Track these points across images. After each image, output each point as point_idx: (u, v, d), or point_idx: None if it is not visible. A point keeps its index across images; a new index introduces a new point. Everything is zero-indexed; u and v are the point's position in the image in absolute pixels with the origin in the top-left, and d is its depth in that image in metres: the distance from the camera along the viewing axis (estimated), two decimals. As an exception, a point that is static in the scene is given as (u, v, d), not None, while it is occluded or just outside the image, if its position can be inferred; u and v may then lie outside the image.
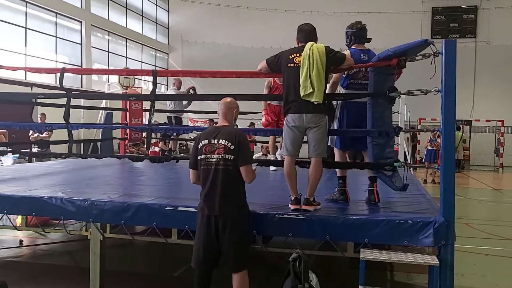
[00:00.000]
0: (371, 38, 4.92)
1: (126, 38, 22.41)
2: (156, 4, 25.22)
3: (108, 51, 20.99)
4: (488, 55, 21.69)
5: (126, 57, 22.25)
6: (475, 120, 20.16)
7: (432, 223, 3.86)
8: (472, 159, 20.52)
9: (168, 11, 26.45)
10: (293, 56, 4.29)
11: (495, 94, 22.04)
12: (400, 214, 4.15)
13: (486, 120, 19.91)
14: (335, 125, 4.71)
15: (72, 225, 4.97)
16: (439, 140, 15.35)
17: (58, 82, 5.35)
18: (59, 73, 5.18)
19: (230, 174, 3.67)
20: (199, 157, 3.73)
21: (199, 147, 3.74)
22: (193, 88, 10.43)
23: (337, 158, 4.80)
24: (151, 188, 5.72)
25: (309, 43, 4.26)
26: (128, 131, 10.45)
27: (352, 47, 4.66)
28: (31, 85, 6.92)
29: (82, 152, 15.51)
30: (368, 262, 3.84)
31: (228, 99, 3.95)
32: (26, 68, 5.53)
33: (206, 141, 3.72)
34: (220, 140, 3.69)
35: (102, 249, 4.62)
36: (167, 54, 26.21)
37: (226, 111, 3.86)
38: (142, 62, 23.62)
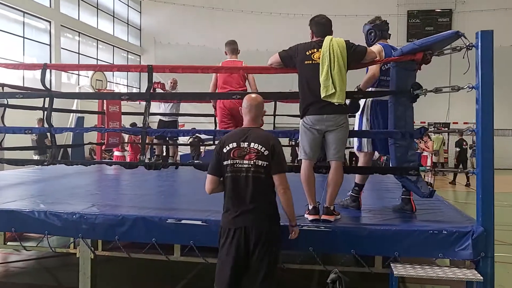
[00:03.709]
0: (391, 34, 4.60)
1: (97, 40, 21.56)
2: (128, 5, 24.44)
3: (79, 53, 20.11)
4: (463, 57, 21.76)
5: (97, 59, 21.40)
6: (453, 123, 20.24)
7: (469, 234, 3.51)
8: (451, 162, 20.54)
9: (140, 12, 25.70)
10: (310, 51, 3.85)
11: (471, 96, 22.11)
12: (431, 224, 3.76)
13: (464, 123, 19.98)
14: (365, 126, 4.30)
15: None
16: (422, 144, 15.40)
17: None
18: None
19: (262, 182, 3.20)
20: (225, 163, 3.23)
21: (225, 151, 3.23)
22: (162, 85, 9.34)
23: (362, 163, 4.38)
24: (144, 198, 5.16)
25: (328, 37, 3.84)
26: (106, 135, 9.75)
27: (379, 42, 4.28)
28: (3, 85, 6.27)
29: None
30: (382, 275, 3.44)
31: (253, 95, 3.46)
32: (1, 64, 4.93)
33: (234, 144, 3.22)
34: (252, 143, 3.21)
35: (93, 268, 4.06)
36: (139, 56, 25.46)
37: (257, 112, 3.37)
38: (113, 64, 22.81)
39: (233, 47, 6.32)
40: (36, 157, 12.03)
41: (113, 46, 22.95)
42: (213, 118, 7.89)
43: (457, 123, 20.01)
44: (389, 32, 4.53)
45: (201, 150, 15.94)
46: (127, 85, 24.29)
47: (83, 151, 16.08)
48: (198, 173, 6.51)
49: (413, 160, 4.10)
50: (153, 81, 8.72)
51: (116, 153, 12.96)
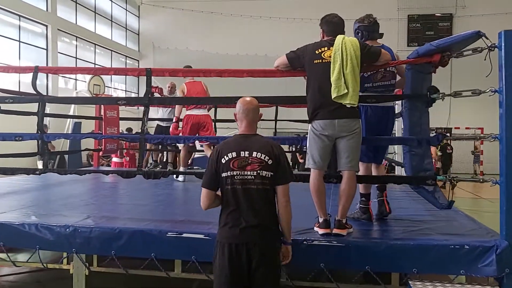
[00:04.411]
0: (383, 33, 4.35)
1: (95, 44, 21.33)
2: (126, 9, 24.24)
3: (76, 57, 19.86)
4: (464, 62, 21.59)
5: (94, 64, 21.14)
6: (455, 128, 20.01)
7: (493, 249, 3.25)
8: (452, 167, 20.29)
9: (138, 17, 25.50)
10: (320, 50, 3.60)
11: (472, 101, 21.92)
12: (451, 238, 3.50)
13: (466, 128, 19.77)
14: None
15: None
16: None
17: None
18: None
19: (268, 194, 2.92)
20: (223, 175, 2.91)
21: (223, 161, 2.92)
22: (160, 90, 9.08)
23: (361, 173, 4.12)
24: (141, 209, 4.89)
25: (340, 36, 3.60)
26: (103, 141, 9.49)
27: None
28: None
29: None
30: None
31: (248, 99, 3.11)
32: (-10, 67, 4.70)
33: (234, 154, 2.91)
34: (254, 152, 2.91)
35: (87, 286, 3.79)
36: (138, 61, 25.23)
37: (254, 116, 3.05)
38: (111, 69, 22.55)
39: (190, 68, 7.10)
40: (40, 163, 11.79)
41: (111, 50, 22.73)
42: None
43: (459, 128, 19.79)
44: (380, 32, 4.26)
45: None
46: (126, 90, 24.05)
47: (80, 157, 15.78)
48: (198, 182, 6.20)
49: (429, 169, 3.84)
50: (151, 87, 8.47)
51: (115, 159, 12.65)
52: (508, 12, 21.78)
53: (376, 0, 22.53)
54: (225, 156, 2.93)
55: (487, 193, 14.18)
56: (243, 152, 2.92)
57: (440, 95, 3.79)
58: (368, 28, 4.13)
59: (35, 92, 4.59)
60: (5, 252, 3.90)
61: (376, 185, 4.26)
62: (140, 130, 4.29)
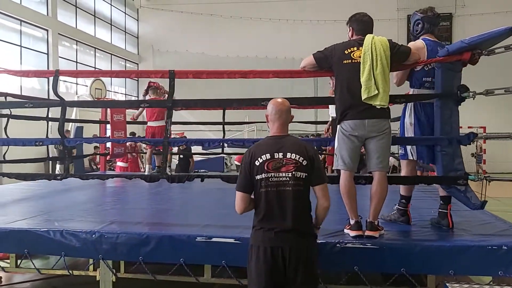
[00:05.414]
0: (439, 29, 4.27)
1: (95, 48, 21.21)
2: (125, 13, 24.14)
3: (76, 62, 19.74)
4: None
5: (94, 68, 21.02)
6: (458, 127, 19.99)
7: (532, 249, 3.19)
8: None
9: (137, 20, 25.40)
10: (349, 50, 3.55)
11: (473, 100, 21.94)
12: (487, 238, 3.44)
13: (468, 127, 19.74)
14: (409, 131, 3.96)
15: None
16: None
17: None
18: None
19: (302, 195, 2.86)
20: (258, 177, 2.86)
21: (257, 164, 2.86)
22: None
23: (405, 172, 4.05)
24: (164, 214, 4.81)
25: (370, 36, 3.55)
26: (111, 145, 9.39)
27: (425, 37, 3.94)
28: (6, 94, 5.92)
29: (50, 171, 14.03)
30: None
31: (280, 100, 3.06)
32: (10, 71, 4.57)
33: (268, 156, 2.86)
34: (288, 153, 2.86)
35: (115, 293, 3.72)
36: (137, 64, 25.12)
37: (287, 117, 3.01)
38: (111, 73, 22.40)
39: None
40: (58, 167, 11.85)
41: (111, 54, 22.60)
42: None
43: (461, 127, 19.74)
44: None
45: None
46: (126, 94, 23.95)
47: (83, 162, 15.67)
48: (210, 184, 6.14)
49: (460, 169, 3.79)
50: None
51: (119, 163, 12.53)
52: (508, 11, 21.83)
53: (376, 1, 22.56)
54: (258, 159, 2.88)
55: (493, 191, 14.15)
56: (277, 154, 2.87)
57: (471, 93, 3.73)
58: (431, 20, 3.98)
59: (58, 95, 4.49)
60: (29, 259, 3.81)
61: (440, 194, 3.97)
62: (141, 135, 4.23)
